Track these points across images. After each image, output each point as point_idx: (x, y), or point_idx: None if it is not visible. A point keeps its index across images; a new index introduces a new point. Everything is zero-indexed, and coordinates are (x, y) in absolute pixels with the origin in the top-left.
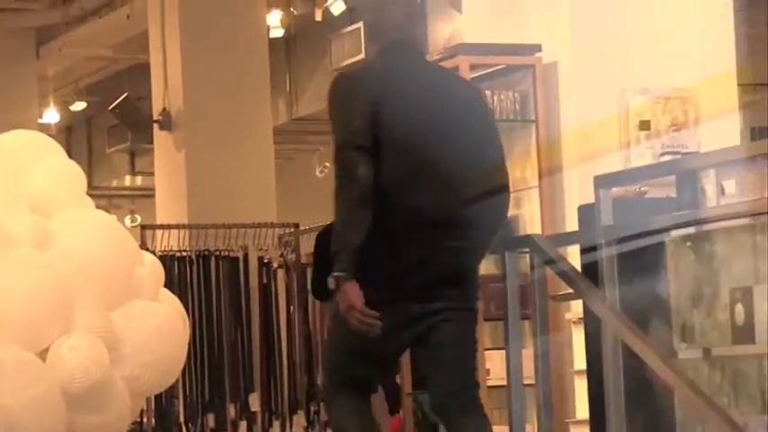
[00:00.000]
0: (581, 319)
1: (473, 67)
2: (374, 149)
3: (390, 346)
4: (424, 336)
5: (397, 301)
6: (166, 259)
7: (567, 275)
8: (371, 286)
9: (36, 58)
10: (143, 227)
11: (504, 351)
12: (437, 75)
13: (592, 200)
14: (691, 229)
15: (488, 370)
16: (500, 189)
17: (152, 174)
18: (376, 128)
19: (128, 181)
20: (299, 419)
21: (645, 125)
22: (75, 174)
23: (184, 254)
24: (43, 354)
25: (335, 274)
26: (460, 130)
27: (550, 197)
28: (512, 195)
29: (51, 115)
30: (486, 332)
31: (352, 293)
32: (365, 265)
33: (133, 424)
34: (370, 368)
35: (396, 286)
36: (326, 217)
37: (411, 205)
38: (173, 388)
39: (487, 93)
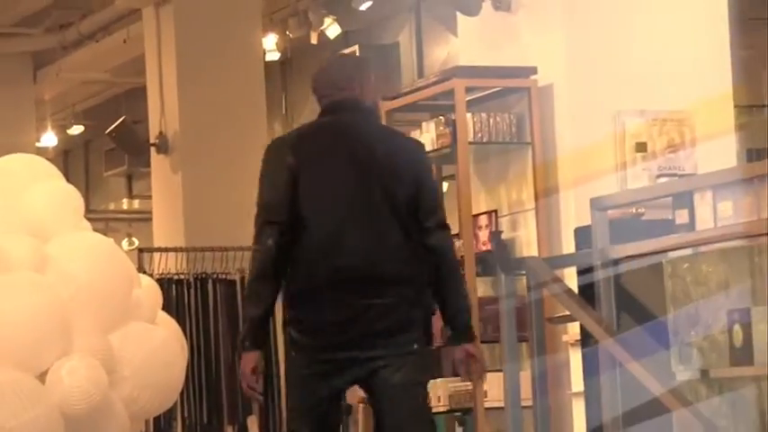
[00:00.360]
0: (578, 340)
1: (469, 90)
2: (289, 219)
3: (335, 385)
4: (365, 380)
5: (332, 350)
6: (164, 282)
7: (563, 297)
8: (313, 336)
9: (33, 83)
10: (140, 250)
11: (501, 373)
12: (373, 133)
13: (588, 222)
14: (688, 251)
15: (486, 392)
16: (432, 237)
17: (149, 197)
18: (296, 194)
19: (125, 204)
20: None
21: (641, 147)
22: (72, 197)
23: (182, 277)
24: (42, 376)
25: (240, 340)
26: (384, 188)
27: (547, 219)
28: (508, 217)
29: (49, 139)
30: (483, 354)
31: (246, 362)
32: (302, 317)
33: None
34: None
35: (331, 337)
36: None
37: (333, 265)
38: (171, 410)
39: (483, 115)
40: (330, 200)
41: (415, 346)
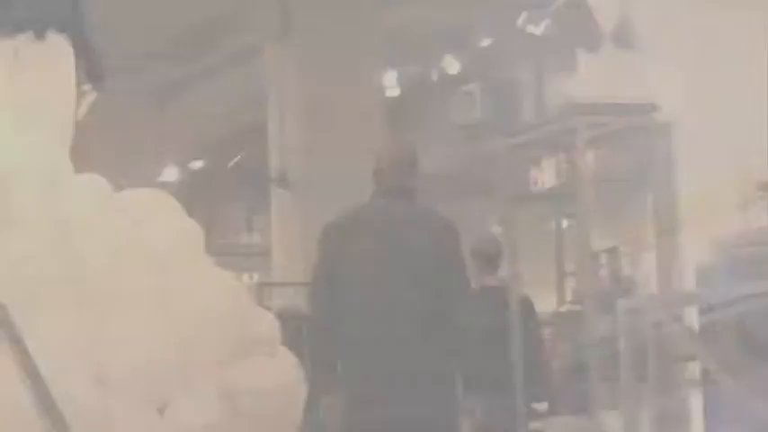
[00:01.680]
0: (699, 380)
1: (589, 127)
2: (332, 287)
3: None
4: None
5: None
6: (283, 317)
7: (684, 336)
8: None
9: (157, 117)
10: (260, 284)
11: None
12: (402, 217)
13: (709, 260)
14: None
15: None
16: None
17: (269, 231)
18: (337, 266)
19: (245, 238)
20: None
21: (764, 186)
22: (193, 231)
23: (301, 311)
24: (162, 410)
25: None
26: (409, 275)
27: (667, 257)
28: (629, 255)
29: (171, 173)
30: (602, 392)
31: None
32: None
33: None
34: None
35: None
36: None
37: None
38: None
39: (604, 152)
40: (355, 279)
41: None
